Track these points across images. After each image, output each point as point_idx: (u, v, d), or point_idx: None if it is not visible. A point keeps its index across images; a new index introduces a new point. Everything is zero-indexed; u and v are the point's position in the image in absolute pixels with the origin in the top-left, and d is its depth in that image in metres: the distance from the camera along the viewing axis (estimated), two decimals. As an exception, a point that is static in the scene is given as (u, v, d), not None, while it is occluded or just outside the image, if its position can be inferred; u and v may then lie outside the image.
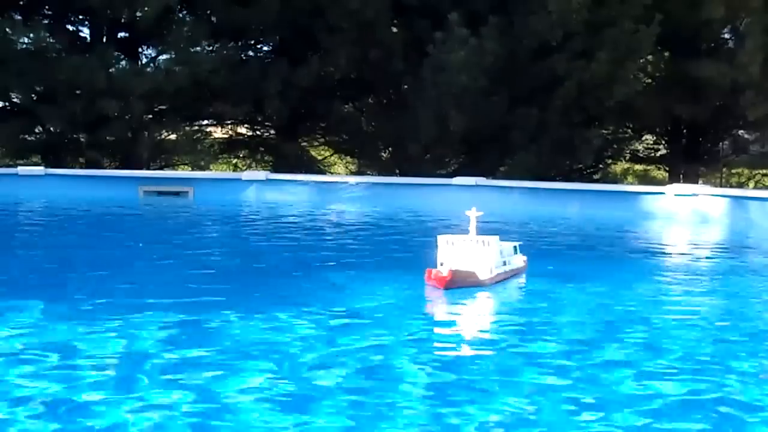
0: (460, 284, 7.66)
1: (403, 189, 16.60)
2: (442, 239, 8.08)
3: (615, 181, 21.94)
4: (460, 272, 7.74)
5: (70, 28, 19.72)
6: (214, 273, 8.71)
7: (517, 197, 15.44)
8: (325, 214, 14.92)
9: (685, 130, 20.99)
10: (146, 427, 4.33)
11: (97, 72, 17.13)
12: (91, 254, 9.75)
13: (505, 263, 8.28)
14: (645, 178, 23.58)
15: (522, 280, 8.51)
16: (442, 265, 7.85)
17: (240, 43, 20.21)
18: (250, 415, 4.53)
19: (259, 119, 21.35)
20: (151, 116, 19.23)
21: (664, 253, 11.75)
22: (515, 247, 8.59)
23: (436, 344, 6.23)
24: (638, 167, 23.78)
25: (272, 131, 21.73)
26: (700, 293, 8.49)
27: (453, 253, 7.95)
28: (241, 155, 22.91)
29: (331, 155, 23.50)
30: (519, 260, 8.60)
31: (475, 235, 8.08)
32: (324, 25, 18.06)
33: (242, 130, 22.26)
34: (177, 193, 16.25)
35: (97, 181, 16.54)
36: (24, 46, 17.79)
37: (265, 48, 21.22)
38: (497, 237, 8.19)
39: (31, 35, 17.59)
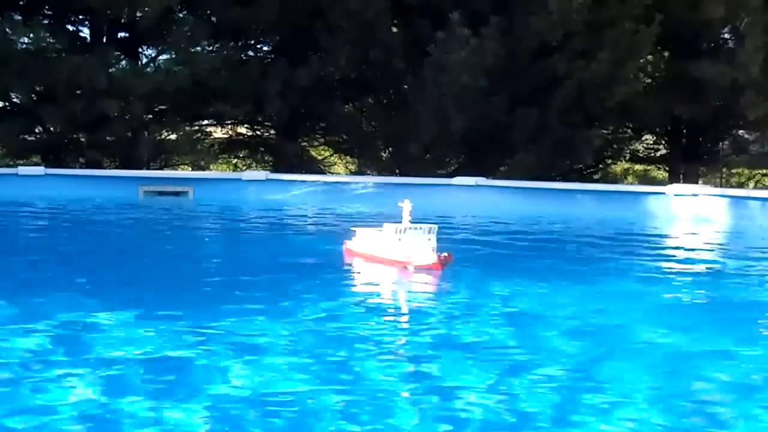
0: None
1: (404, 189, 16.56)
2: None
3: (615, 181, 21.95)
4: None
5: (70, 28, 19.70)
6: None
7: (517, 197, 15.42)
8: (324, 214, 14.90)
9: (685, 130, 20.99)
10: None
11: (97, 72, 17.13)
12: (88, 254, 9.74)
13: None
14: (645, 178, 23.60)
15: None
16: None
17: (240, 43, 20.21)
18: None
19: (259, 119, 21.36)
20: (151, 116, 19.24)
21: (663, 252, 11.74)
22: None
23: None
24: (638, 167, 23.81)
25: (272, 131, 21.75)
26: (698, 293, 8.48)
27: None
28: (241, 155, 22.94)
29: (331, 155, 23.53)
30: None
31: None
32: (324, 25, 18.06)
33: (242, 130, 22.29)
34: (177, 193, 16.25)
35: (97, 181, 16.53)
36: (24, 46, 17.78)
37: (265, 48, 21.23)
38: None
39: (31, 35, 17.57)
